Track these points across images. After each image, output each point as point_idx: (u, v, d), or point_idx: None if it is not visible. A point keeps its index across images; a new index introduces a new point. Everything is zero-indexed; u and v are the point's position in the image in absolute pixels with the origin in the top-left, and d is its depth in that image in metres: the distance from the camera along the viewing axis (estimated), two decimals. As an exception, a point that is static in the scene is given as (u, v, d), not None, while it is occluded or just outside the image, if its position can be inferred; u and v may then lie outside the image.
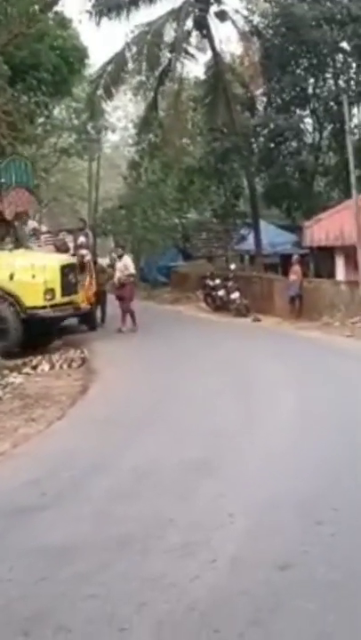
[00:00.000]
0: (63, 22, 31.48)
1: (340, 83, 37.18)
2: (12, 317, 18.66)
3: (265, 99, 37.43)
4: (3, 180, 19.87)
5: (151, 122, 36.92)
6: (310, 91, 37.79)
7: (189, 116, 37.14)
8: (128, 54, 34.25)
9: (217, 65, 35.03)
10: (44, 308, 18.87)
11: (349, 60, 37.02)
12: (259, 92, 36.23)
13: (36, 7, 27.51)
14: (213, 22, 34.31)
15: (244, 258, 39.33)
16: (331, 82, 37.77)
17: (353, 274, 25.62)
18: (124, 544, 6.59)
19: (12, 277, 18.87)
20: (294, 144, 37.31)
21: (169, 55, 34.44)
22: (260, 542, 6.63)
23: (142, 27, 34.16)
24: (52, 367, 17.04)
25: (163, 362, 17.11)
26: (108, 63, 34.29)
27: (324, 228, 29.47)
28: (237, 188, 37.63)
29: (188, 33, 34.69)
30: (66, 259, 20.82)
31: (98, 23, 33.80)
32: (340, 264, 29.21)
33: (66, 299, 19.58)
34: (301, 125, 37.70)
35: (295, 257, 28.12)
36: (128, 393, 13.70)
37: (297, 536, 6.68)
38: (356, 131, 35.84)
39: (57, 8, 31.36)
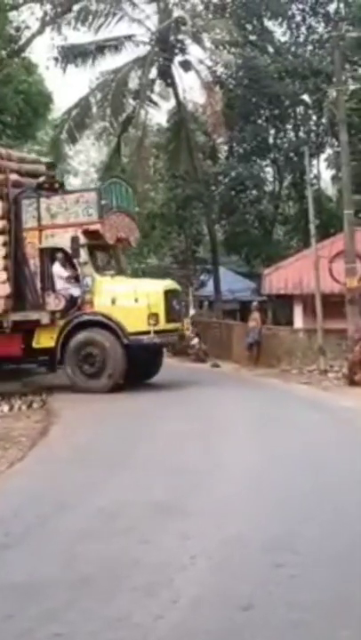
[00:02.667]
0: (29, 67, 31.89)
1: (301, 134, 37.94)
2: (113, 349, 18.06)
3: (227, 147, 38.09)
4: (104, 202, 18.95)
5: (114, 167, 37.28)
6: (271, 141, 38.50)
7: (152, 162, 37.61)
8: (93, 100, 34.78)
9: (180, 113, 35.57)
10: (147, 333, 18.21)
11: (310, 112, 37.85)
12: (221, 140, 36.84)
13: (4, 52, 27.90)
14: (178, 71, 34.98)
15: (204, 303, 39.66)
16: (291, 133, 38.56)
17: (311, 322, 25.98)
18: (89, 583, 6.68)
19: (113, 302, 18.34)
20: (255, 193, 37.91)
21: (133, 102, 34.95)
22: (221, 583, 6.75)
23: (108, 73, 34.69)
24: (11, 409, 17.02)
25: (124, 404, 17.16)
26: (73, 108, 34.69)
27: (284, 276, 29.90)
28: (198, 235, 38.06)
29: (153, 81, 35.30)
30: (170, 284, 20.11)
31: (64, 69, 34.24)
32: (298, 312, 29.62)
33: (170, 325, 18.95)
34: (262, 175, 38.33)
35: (255, 304, 28.44)
36: (90, 434, 13.73)
37: (258, 577, 6.80)
38: (315, 181, 36.47)
39: (24, 53, 31.85)
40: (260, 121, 37.80)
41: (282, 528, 8.05)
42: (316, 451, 11.97)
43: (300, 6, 37.46)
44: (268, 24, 38.27)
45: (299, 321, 29.35)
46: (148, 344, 18.24)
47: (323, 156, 38.40)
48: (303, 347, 25.52)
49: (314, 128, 38.11)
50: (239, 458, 11.43)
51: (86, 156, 56.92)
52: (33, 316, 18.60)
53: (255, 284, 36.53)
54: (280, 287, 30.14)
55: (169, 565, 7.06)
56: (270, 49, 37.86)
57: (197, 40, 34.70)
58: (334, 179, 37.23)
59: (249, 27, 37.90)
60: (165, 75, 35.19)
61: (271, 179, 40.19)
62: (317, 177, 38.72)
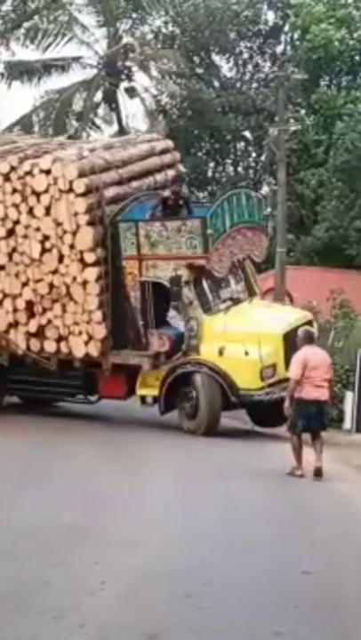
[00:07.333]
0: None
1: (240, 170, 38.33)
2: (207, 388, 15.73)
3: (165, 177, 38.20)
4: (210, 232, 16.03)
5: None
6: (210, 174, 38.79)
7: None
8: (35, 118, 34.70)
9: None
10: (261, 388, 15.61)
11: (250, 149, 38.29)
12: (160, 169, 36.97)
13: None
14: (122, 97, 35.07)
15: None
16: (230, 168, 38.89)
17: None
18: (-4, 603, 6.61)
19: (221, 353, 15.72)
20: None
21: (76, 124, 34.97)
22: (130, 610, 6.73)
23: (52, 93, 34.68)
24: None
25: (47, 422, 16.75)
26: (14, 125, 34.48)
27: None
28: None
29: (97, 105, 35.42)
30: (297, 320, 16.43)
31: (9, 85, 34.18)
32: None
33: None
34: (198, 207, 38.52)
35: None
36: (8, 451, 13.46)
37: (167, 607, 6.80)
38: (250, 217, 36.80)
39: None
40: (200, 153, 38.12)
41: (193, 559, 8.06)
42: (231, 484, 11.96)
43: (248, 44, 37.95)
44: (216, 58, 38.66)
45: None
46: (261, 401, 15.73)
47: (259, 193, 38.87)
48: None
49: (253, 165, 38.56)
50: (155, 486, 11.40)
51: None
52: (133, 360, 16.51)
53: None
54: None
55: (78, 589, 7.03)
56: (216, 83, 38.23)
57: (144, 68, 34.91)
58: (269, 217, 37.64)
59: (196, 59, 38.25)
60: (110, 99, 35.33)
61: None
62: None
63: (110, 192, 16.72)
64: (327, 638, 6.45)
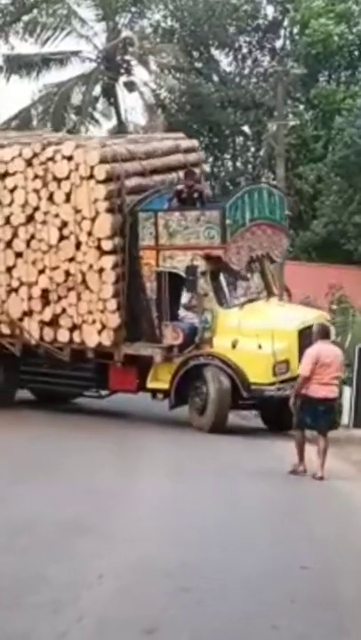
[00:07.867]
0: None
1: (238, 165, 38.32)
2: (217, 384, 15.37)
3: (164, 171, 38.19)
4: (229, 222, 15.92)
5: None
6: (209, 169, 38.76)
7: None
8: (34, 112, 34.68)
9: (120, 133, 35.66)
10: (272, 384, 15.34)
11: (249, 143, 38.27)
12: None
13: None
14: (121, 91, 35.09)
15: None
16: (229, 163, 38.88)
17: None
18: (-6, 597, 6.60)
19: (234, 346, 15.50)
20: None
21: (75, 118, 34.95)
22: (127, 604, 6.72)
23: (51, 87, 34.67)
24: None
25: (50, 416, 16.76)
26: (13, 119, 34.44)
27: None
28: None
29: (96, 99, 35.40)
30: (313, 318, 15.69)
31: (8, 79, 34.17)
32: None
33: None
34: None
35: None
36: (14, 446, 13.44)
37: (164, 601, 6.78)
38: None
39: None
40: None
41: (192, 554, 8.05)
42: (234, 481, 11.93)
43: (248, 39, 37.94)
44: (215, 53, 38.66)
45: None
46: (272, 397, 15.42)
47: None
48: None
49: (251, 160, 38.56)
50: (158, 483, 11.37)
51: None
52: (145, 351, 16.31)
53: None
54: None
55: (76, 584, 7.01)
56: (215, 78, 38.23)
57: (143, 62, 34.91)
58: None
59: (195, 54, 38.25)
60: (109, 93, 35.32)
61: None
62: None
63: (132, 182, 16.64)
64: (324, 633, 6.44)
